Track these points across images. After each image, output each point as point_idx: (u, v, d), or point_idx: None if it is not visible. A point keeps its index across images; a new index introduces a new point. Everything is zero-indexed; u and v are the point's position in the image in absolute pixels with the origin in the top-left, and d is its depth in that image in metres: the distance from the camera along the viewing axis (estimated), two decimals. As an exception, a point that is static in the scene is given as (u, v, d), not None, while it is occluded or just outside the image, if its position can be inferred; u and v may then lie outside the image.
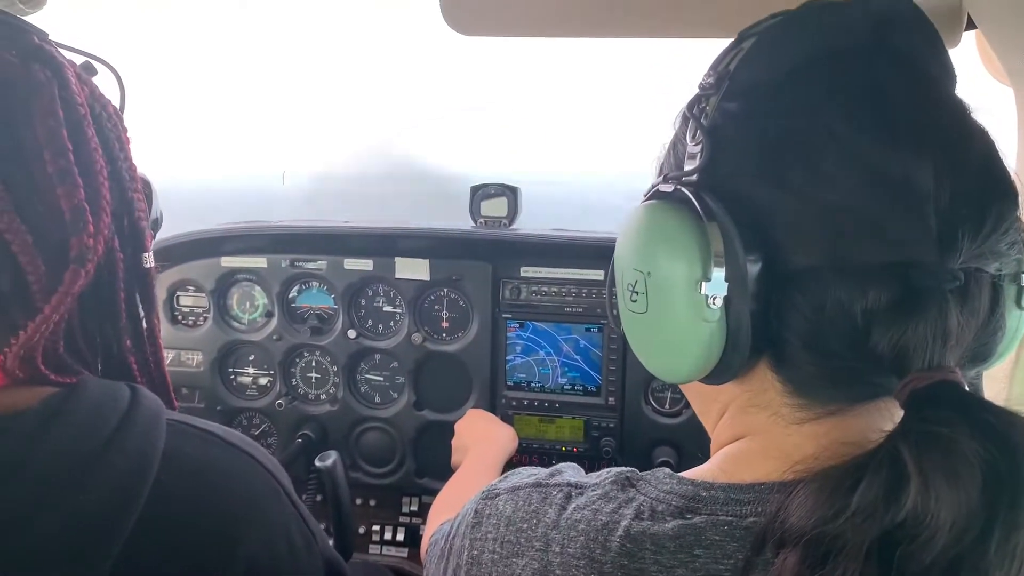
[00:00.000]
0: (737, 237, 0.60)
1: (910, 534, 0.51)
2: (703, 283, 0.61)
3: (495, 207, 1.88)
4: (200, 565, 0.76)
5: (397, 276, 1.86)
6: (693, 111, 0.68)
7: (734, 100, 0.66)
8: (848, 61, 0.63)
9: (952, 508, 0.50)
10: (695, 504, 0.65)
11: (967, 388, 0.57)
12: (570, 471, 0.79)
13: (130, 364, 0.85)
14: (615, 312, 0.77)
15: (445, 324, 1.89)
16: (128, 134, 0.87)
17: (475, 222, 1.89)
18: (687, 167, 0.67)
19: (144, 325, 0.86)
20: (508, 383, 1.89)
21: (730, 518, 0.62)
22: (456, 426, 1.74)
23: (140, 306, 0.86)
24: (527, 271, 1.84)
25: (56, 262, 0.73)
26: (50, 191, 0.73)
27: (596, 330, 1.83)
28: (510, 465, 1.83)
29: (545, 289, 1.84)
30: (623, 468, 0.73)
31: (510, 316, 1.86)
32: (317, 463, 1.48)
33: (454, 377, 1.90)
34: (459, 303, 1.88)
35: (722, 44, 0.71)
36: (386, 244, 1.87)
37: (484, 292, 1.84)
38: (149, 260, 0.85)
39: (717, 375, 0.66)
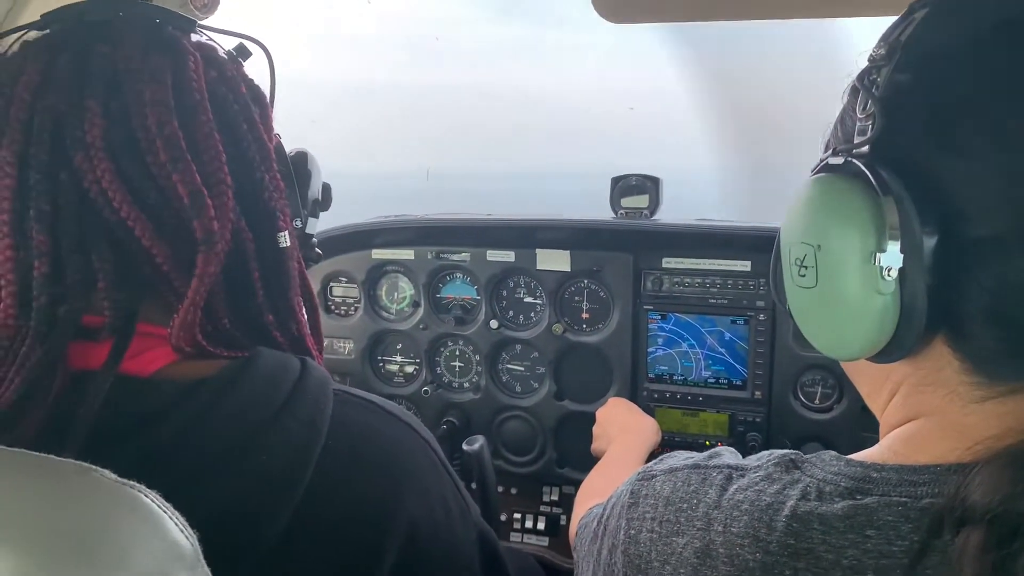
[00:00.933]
0: (913, 208, 0.59)
1: None
2: (878, 254, 0.59)
3: (636, 199, 1.86)
4: (365, 527, 0.80)
5: (538, 267, 1.88)
6: (864, 82, 0.66)
7: (907, 71, 0.63)
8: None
9: None
10: (866, 485, 0.63)
11: None
12: (728, 454, 0.79)
13: (275, 338, 0.87)
14: (780, 290, 0.76)
15: (586, 315, 1.90)
16: (266, 114, 0.88)
17: (615, 213, 1.88)
18: (857, 139, 0.65)
19: (283, 301, 0.88)
20: (649, 375, 1.87)
21: (904, 499, 0.60)
22: (598, 414, 1.75)
23: (282, 283, 0.87)
24: (669, 262, 1.81)
25: (184, 246, 0.76)
26: (166, 177, 0.75)
27: (742, 322, 1.78)
28: (652, 457, 1.81)
29: (688, 280, 1.81)
30: (786, 451, 0.72)
31: (652, 308, 1.84)
32: (464, 447, 1.52)
33: (594, 368, 1.91)
34: (600, 294, 1.88)
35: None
36: (527, 236, 1.90)
37: (625, 283, 1.83)
38: (285, 239, 0.86)
39: (890, 352, 0.64)
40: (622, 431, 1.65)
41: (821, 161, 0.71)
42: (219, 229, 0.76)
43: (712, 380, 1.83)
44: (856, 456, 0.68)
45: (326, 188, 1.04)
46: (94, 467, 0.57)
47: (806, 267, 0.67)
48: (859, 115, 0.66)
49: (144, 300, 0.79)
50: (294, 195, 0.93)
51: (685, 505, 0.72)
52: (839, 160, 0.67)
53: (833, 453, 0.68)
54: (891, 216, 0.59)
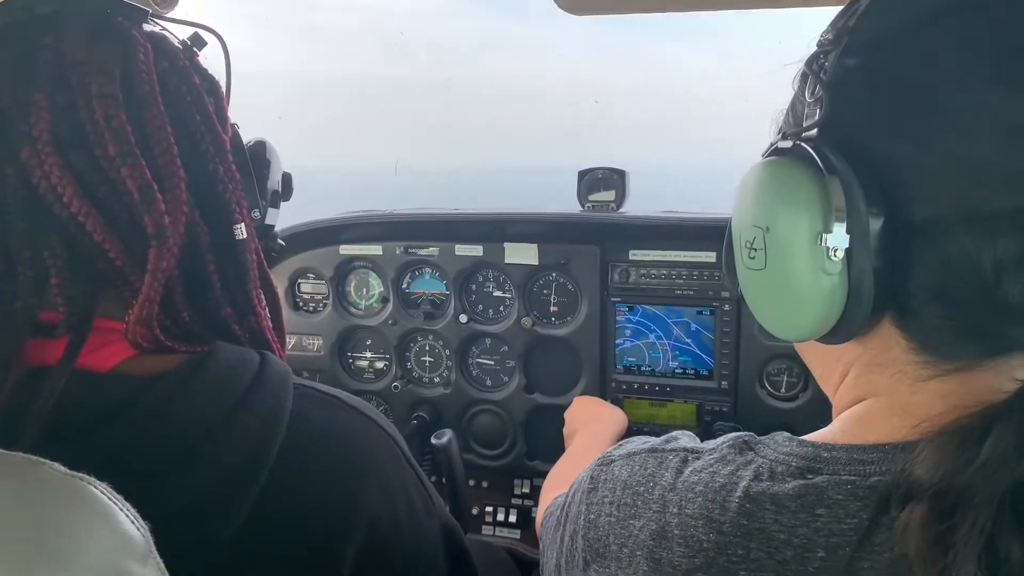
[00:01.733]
0: (859, 190, 0.60)
1: None
2: (824, 235, 0.60)
3: (603, 192, 1.87)
4: (326, 522, 0.80)
5: (507, 261, 1.88)
6: (812, 67, 0.67)
7: (854, 55, 0.65)
8: (981, 9, 0.60)
9: None
10: (816, 464, 0.64)
11: None
12: (685, 438, 0.80)
13: (235, 332, 0.87)
14: (732, 273, 0.77)
15: (554, 308, 1.91)
16: (220, 104, 0.87)
17: (583, 206, 1.89)
18: (806, 123, 0.66)
19: (241, 294, 0.87)
20: (618, 367, 1.89)
21: (853, 477, 0.61)
22: (565, 414, 1.77)
23: (240, 276, 0.86)
24: (636, 254, 1.83)
25: (137, 241, 0.75)
26: (114, 171, 0.74)
27: (708, 313, 1.80)
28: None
29: (655, 272, 1.82)
30: (741, 432, 0.73)
31: (619, 300, 1.86)
32: (433, 440, 1.52)
33: (564, 361, 1.92)
34: (568, 287, 1.89)
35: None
36: (495, 230, 1.90)
37: (592, 276, 1.84)
38: (242, 232, 0.84)
39: (839, 332, 0.65)
40: (586, 423, 1.67)
41: (771, 145, 0.72)
42: (171, 223, 0.75)
43: (679, 370, 1.85)
44: (808, 437, 0.70)
45: (286, 178, 1.02)
46: (42, 460, 0.57)
47: (755, 249, 0.68)
48: (808, 99, 0.67)
49: (100, 295, 0.78)
50: (251, 186, 0.91)
51: (642, 488, 0.72)
52: (788, 144, 0.68)
53: (786, 434, 0.70)
54: (837, 198, 0.60)
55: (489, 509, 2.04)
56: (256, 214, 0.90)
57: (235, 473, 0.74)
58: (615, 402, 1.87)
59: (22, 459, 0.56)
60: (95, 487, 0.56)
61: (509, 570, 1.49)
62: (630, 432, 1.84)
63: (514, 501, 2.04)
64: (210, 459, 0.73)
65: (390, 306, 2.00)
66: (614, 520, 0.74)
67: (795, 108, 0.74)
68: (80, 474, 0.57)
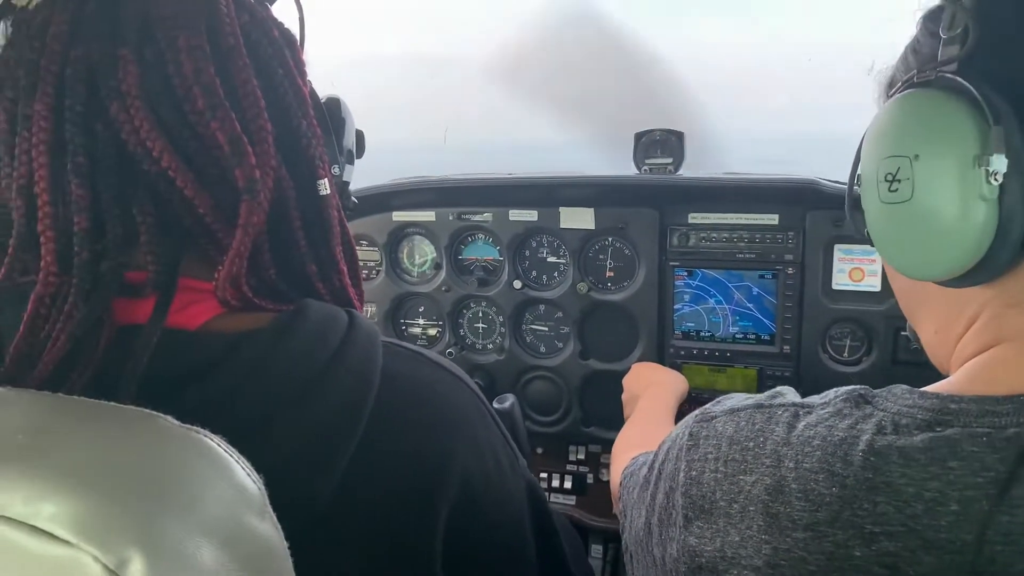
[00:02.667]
0: (1014, 117, 0.58)
1: None
2: (984, 157, 0.59)
3: (660, 152, 1.83)
4: (420, 477, 0.79)
5: (562, 226, 1.86)
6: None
7: None
8: None
9: None
10: (944, 416, 0.62)
11: None
12: (790, 393, 0.78)
13: (318, 290, 0.85)
14: (857, 215, 0.76)
15: (610, 273, 1.88)
16: (298, 58, 0.85)
17: (639, 169, 1.86)
18: (943, 56, 0.65)
19: (325, 251, 0.85)
20: (676, 332, 1.86)
21: (988, 429, 0.59)
22: (624, 381, 1.75)
23: (324, 233, 0.85)
24: (695, 217, 1.79)
25: (226, 195, 0.74)
26: (204, 125, 0.72)
27: (770, 276, 1.76)
28: (678, 414, 1.81)
29: (715, 235, 1.79)
30: (854, 386, 0.71)
31: (678, 264, 1.82)
32: (495, 404, 1.51)
33: (620, 326, 1.89)
34: (624, 252, 1.86)
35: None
36: (550, 194, 1.88)
37: (651, 240, 1.81)
38: (325, 187, 0.83)
39: (980, 270, 0.63)
40: (647, 387, 1.65)
41: (904, 82, 0.70)
42: (261, 176, 0.74)
43: (740, 335, 1.82)
44: (930, 388, 0.67)
45: (360, 135, 1.01)
46: (156, 413, 0.56)
47: (899, 181, 0.66)
48: (944, 35, 0.65)
49: (185, 254, 0.77)
50: (331, 142, 0.89)
51: (751, 444, 0.71)
52: (929, 76, 0.66)
53: (904, 387, 0.67)
54: (993, 123, 0.59)
55: (544, 475, 2.03)
56: (335, 170, 0.88)
57: (332, 428, 0.73)
58: (673, 367, 1.84)
59: (137, 412, 0.56)
60: (211, 439, 0.56)
61: (572, 534, 1.48)
62: (690, 399, 1.82)
63: (569, 467, 2.03)
64: (306, 415, 0.72)
65: (443, 273, 1.99)
66: (721, 476, 0.72)
67: (917, 51, 0.73)
68: (195, 427, 0.56)
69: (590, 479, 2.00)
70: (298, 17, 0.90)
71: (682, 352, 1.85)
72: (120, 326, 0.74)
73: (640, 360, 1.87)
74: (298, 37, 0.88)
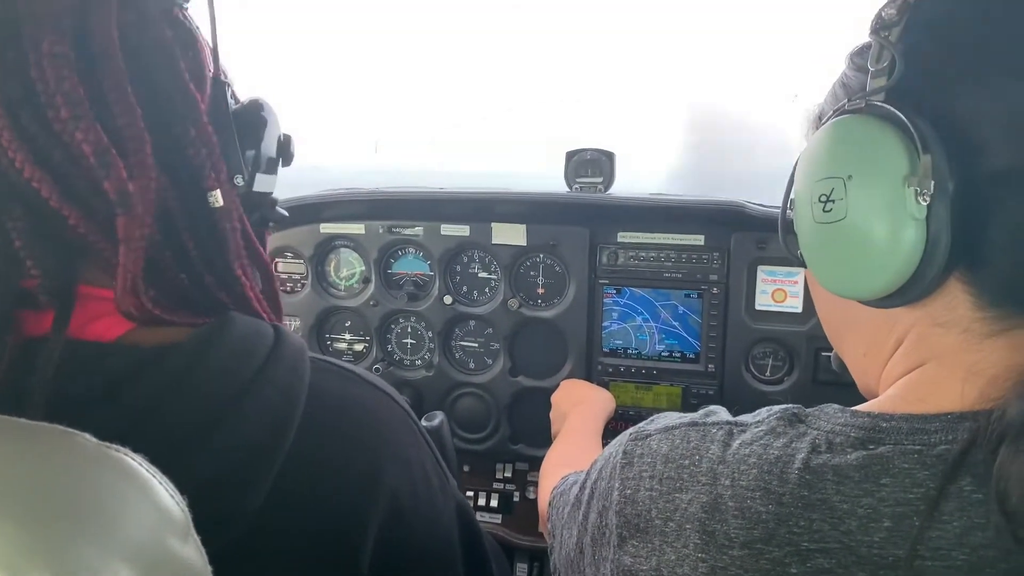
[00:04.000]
0: (939, 141, 0.61)
1: None
2: (911, 178, 0.62)
3: (591, 171, 1.86)
4: (348, 496, 0.77)
5: (494, 242, 1.85)
6: (879, 33, 0.69)
7: (922, 21, 0.67)
8: None
9: None
10: (876, 435, 0.63)
11: None
12: (723, 412, 0.79)
13: (222, 301, 0.81)
14: (789, 238, 0.79)
15: (541, 290, 1.89)
16: (197, 60, 0.79)
17: (570, 187, 1.87)
18: (872, 86, 0.68)
19: (222, 265, 0.80)
20: (604, 349, 1.88)
21: (919, 447, 0.61)
22: (552, 398, 1.75)
23: (219, 247, 0.79)
24: (624, 236, 1.82)
25: (102, 207, 0.70)
26: (68, 134, 0.68)
27: (696, 296, 1.80)
28: (604, 432, 1.82)
29: (643, 255, 1.81)
30: (787, 405, 0.72)
31: (607, 282, 1.84)
32: (424, 422, 1.49)
33: (550, 343, 1.90)
34: (555, 269, 1.87)
35: None
36: (483, 209, 1.87)
37: (581, 257, 1.83)
38: (217, 199, 0.77)
39: (908, 289, 0.65)
40: (575, 405, 1.66)
41: (836, 111, 0.73)
42: (137, 189, 0.69)
43: (666, 354, 1.85)
44: (861, 407, 0.69)
45: (285, 140, 0.92)
46: (73, 431, 0.53)
47: (833, 201, 0.69)
48: (872, 67, 0.69)
49: (84, 262, 0.73)
50: (234, 150, 0.81)
51: (687, 462, 0.71)
52: (859, 105, 0.69)
53: (836, 406, 0.69)
54: (920, 146, 0.62)
55: (470, 494, 2.01)
56: (239, 181, 0.80)
57: (257, 445, 0.71)
58: (601, 385, 1.86)
59: (51, 429, 0.52)
60: (132, 458, 0.52)
61: (499, 555, 1.46)
62: (616, 416, 1.84)
63: (496, 485, 2.01)
64: (232, 431, 0.70)
65: (372, 287, 1.95)
66: (656, 494, 0.72)
67: (845, 84, 0.76)
68: (115, 446, 0.52)
69: (517, 497, 1.99)
70: (209, 15, 0.84)
71: (610, 369, 1.87)
72: (28, 338, 0.70)
73: (569, 377, 1.87)
74: (211, 37, 0.82)
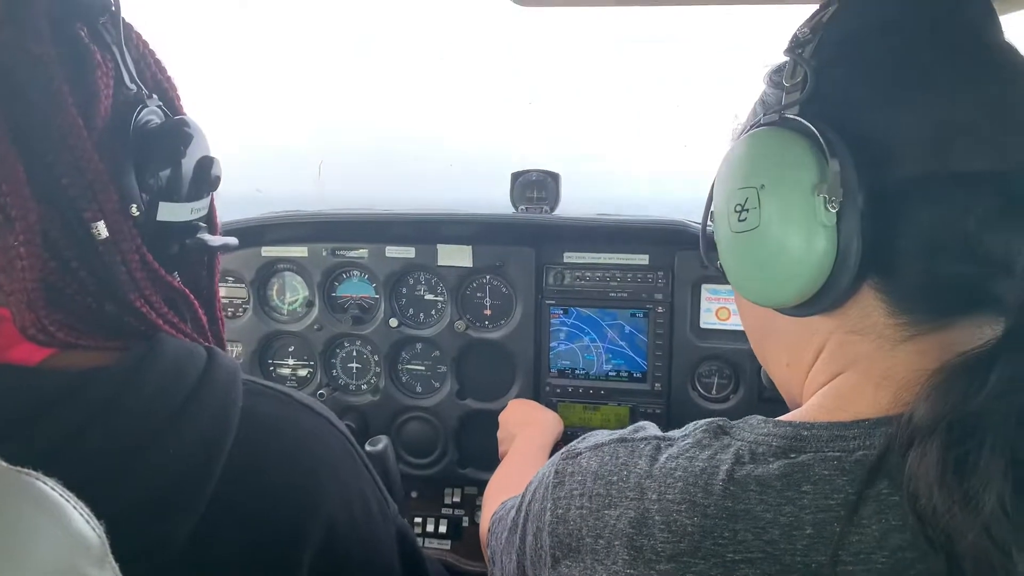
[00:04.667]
0: (847, 153, 0.63)
1: None
2: (821, 185, 0.63)
3: (535, 193, 1.86)
4: (282, 523, 0.76)
5: (440, 263, 1.84)
6: (794, 53, 0.71)
7: (835, 39, 0.70)
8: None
9: None
10: (797, 443, 0.64)
11: None
12: (652, 427, 0.79)
13: (138, 327, 0.76)
14: (708, 247, 0.80)
15: (488, 311, 1.88)
16: (87, 80, 0.73)
17: (516, 208, 1.88)
18: (786, 101, 0.70)
19: (121, 299, 0.75)
20: (552, 370, 1.87)
21: (838, 453, 0.62)
22: (500, 417, 1.73)
23: (111, 280, 0.74)
24: (571, 256, 1.82)
25: None
26: None
27: (642, 315, 1.81)
28: (553, 454, 1.81)
29: (589, 275, 1.82)
30: (713, 418, 0.73)
31: (554, 302, 1.84)
32: (368, 447, 1.46)
33: (497, 365, 1.88)
34: (502, 290, 1.86)
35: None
36: (428, 231, 1.86)
37: (527, 278, 1.82)
38: (101, 231, 0.71)
39: (823, 296, 0.67)
40: (522, 427, 1.65)
41: (752, 125, 0.74)
42: (17, 216, 0.66)
43: (613, 373, 1.85)
44: (784, 417, 0.70)
45: (203, 164, 0.82)
46: None
47: (747, 210, 0.70)
48: (787, 83, 0.71)
49: None
50: (126, 176, 0.74)
51: (615, 478, 0.71)
52: (772, 118, 0.71)
53: (760, 417, 0.70)
54: (830, 156, 0.64)
55: (418, 520, 1.97)
56: (135, 210, 0.74)
57: (188, 470, 0.69)
58: (549, 406, 1.85)
59: None
60: (44, 483, 0.50)
61: (445, 582, 1.44)
62: (565, 436, 1.83)
63: (444, 511, 1.98)
64: (161, 456, 0.68)
65: (315, 311, 1.92)
66: (586, 512, 0.72)
67: (764, 101, 0.79)
68: (27, 470, 0.50)
69: (465, 522, 1.96)
70: (114, 31, 0.77)
71: (558, 390, 1.86)
72: None
73: (517, 398, 1.86)
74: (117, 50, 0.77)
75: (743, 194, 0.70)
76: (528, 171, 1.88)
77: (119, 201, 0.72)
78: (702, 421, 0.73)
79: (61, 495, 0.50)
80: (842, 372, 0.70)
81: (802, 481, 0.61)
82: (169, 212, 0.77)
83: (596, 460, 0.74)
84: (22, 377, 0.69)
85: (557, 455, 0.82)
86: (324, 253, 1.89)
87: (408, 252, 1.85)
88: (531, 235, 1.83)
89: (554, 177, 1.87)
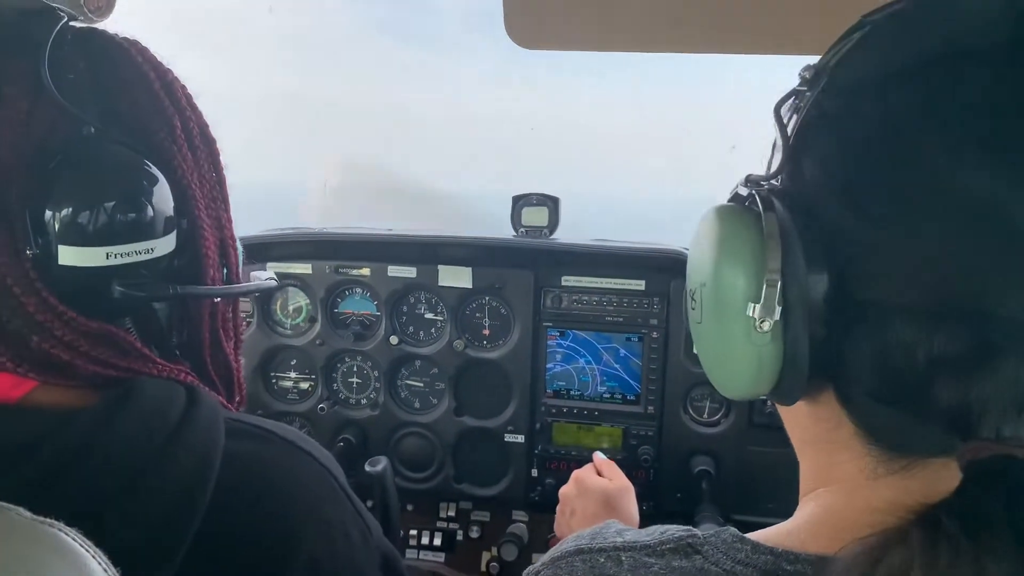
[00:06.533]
0: (800, 253, 0.54)
1: None
2: (752, 304, 0.56)
3: (536, 216, 1.90)
4: (265, 563, 0.77)
5: (440, 284, 1.88)
6: (781, 109, 0.63)
7: (829, 100, 0.58)
8: (966, 65, 0.52)
9: None
10: None
11: None
12: (613, 531, 0.70)
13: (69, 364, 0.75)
14: (686, 315, 0.75)
15: (486, 332, 1.92)
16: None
17: (516, 231, 1.92)
18: (769, 172, 0.62)
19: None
20: (548, 391, 1.91)
21: None
22: (562, 492, 1.48)
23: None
24: (568, 280, 1.86)
25: None
26: None
27: (636, 339, 1.85)
28: (547, 471, 1.86)
29: (586, 298, 1.86)
30: (678, 530, 0.65)
31: (551, 324, 1.88)
32: (367, 468, 1.50)
33: (494, 384, 1.93)
34: (500, 311, 1.90)
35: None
36: (429, 252, 1.90)
37: (526, 300, 1.86)
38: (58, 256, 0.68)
39: (777, 396, 0.61)
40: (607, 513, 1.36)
41: (734, 188, 0.66)
42: None
43: (607, 395, 1.89)
44: (764, 538, 0.61)
45: (124, 207, 0.74)
46: (7, 505, 0.53)
47: (695, 301, 0.65)
48: (778, 141, 0.62)
49: None
50: (20, 218, 0.71)
51: None
52: (745, 191, 0.63)
53: (733, 533, 0.62)
54: (773, 260, 0.56)
55: (414, 532, 2.02)
56: (29, 252, 0.70)
57: (170, 514, 0.70)
58: (544, 425, 1.90)
59: None
60: (66, 533, 0.53)
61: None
62: (558, 456, 1.88)
63: (439, 524, 2.03)
64: (141, 500, 0.69)
65: (318, 326, 1.96)
66: None
67: (774, 149, 0.66)
68: (50, 520, 0.53)
69: (460, 536, 2.00)
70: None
71: (553, 410, 1.90)
72: None
73: (512, 417, 1.90)
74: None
75: (694, 283, 0.65)
76: (529, 195, 1.92)
77: (11, 243, 0.69)
78: (668, 532, 0.65)
79: (81, 544, 0.54)
80: (827, 485, 0.63)
81: None
82: (71, 256, 0.71)
83: None
84: (8, 415, 0.70)
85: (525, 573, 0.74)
86: (328, 270, 1.93)
87: (410, 272, 1.89)
88: (530, 258, 1.87)
89: (554, 201, 1.91)
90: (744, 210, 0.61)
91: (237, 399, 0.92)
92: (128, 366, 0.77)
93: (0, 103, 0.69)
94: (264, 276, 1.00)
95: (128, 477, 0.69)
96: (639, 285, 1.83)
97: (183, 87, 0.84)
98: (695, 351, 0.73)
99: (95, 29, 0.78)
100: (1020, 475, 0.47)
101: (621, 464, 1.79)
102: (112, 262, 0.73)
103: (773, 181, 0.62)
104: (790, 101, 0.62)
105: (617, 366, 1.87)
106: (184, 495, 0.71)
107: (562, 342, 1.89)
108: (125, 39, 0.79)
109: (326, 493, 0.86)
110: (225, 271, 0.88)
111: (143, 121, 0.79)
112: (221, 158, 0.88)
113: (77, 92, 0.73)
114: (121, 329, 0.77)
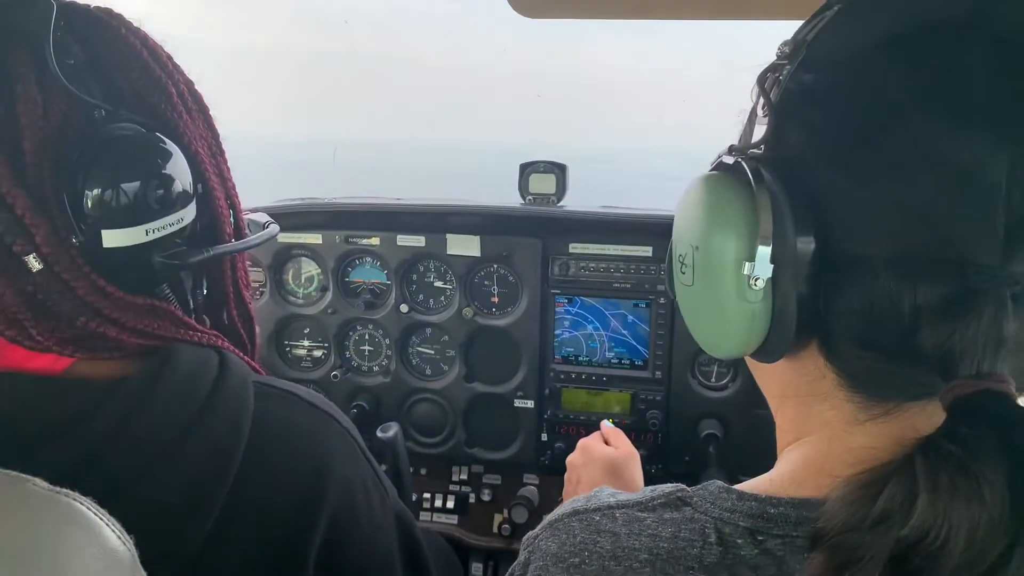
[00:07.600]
0: (790, 217, 0.58)
1: (924, 550, 0.49)
2: (747, 263, 0.60)
3: (544, 184, 1.91)
4: (289, 519, 0.81)
5: (449, 252, 1.90)
6: (764, 82, 0.65)
7: (809, 72, 0.62)
8: (935, 36, 0.56)
9: (967, 526, 0.48)
10: (765, 524, 0.61)
11: (1018, 401, 0.53)
12: (606, 492, 0.74)
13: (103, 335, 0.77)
14: (670, 282, 0.77)
15: (495, 299, 1.94)
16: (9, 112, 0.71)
17: (524, 199, 1.92)
18: (753, 140, 0.66)
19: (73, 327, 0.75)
20: (556, 357, 1.94)
21: (804, 542, 0.58)
22: (569, 460, 1.47)
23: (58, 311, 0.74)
24: (575, 247, 1.87)
25: None
26: None
27: (644, 305, 1.86)
28: (557, 435, 1.89)
29: (593, 265, 1.87)
30: (667, 486, 0.69)
31: (559, 292, 1.90)
32: (379, 434, 1.53)
33: (503, 351, 1.95)
34: (509, 279, 1.92)
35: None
36: (438, 221, 1.92)
37: (533, 268, 1.88)
38: (34, 263, 0.70)
39: (763, 354, 0.65)
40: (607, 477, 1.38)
41: (718, 158, 0.70)
42: None
43: (615, 361, 1.91)
44: (749, 487, 0.66)
45: (152, 185, 0.76)
46: (24, 476, 0.56)
47: (686, 266, 0.69)
48: (760, 114, 0.66)
49: None
50: (57, 205, 0.72)
51: (577, 560, 0.67)
52: (731, 160, 0.67)
53: (719, 485, 0.66)
54: (766, 223, 0.59)
55: (427, 495, 2.06)
56: (75, 240, 0.72)
57: (205, 477, 0.74)
58: (553, 391, 1.92)
59: (2, 476, 0.56)
60: (81, 503, 0.56)
61: (448, 556, 1.52)
62: (567, 420, 1.91)
63: (452, 487, 2.07)
64: (179, 464, 0.73)
65: (329, 295, 1.99)
66: None
67: (751, 120, 0.70)
68: (64, 490, 0.56)
69: (472, 499, 2.05)
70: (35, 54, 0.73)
71: (561, 376, 1.93)
72: None
73: (522, 382, 1.93)
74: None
75: (684, 248, 0.69)
76: (536, 162, 1.92)
77: (54, 232, 0.71)
78: (659, 489, 0.69)
79: (95, 513, 0.57)
80: (807, 436, 0.67)
81: (777, 574, 0.59)
82: (115, 238, 0.74)
83: (555, 541, 0.70)
84: (46, 386, 0.74)
85: (525, 538, 0.76)
86: (338, 240, 1.95)
87: (419, 240, 1.91)
88: (537, 226, 1.88)
89: (561, 168, 1.91)
90: (733, 177, 0.65)
91: (252, 349, 0.96)
92: (169, 335, 0.81)
93: (15, 99, 0.70)
94: (261, 220, 1.04)
95: (164, 445, 0.73)
96: (646, 251, 1.84)
97: (161, 48, 0.84)
98: (683, 314, 0.75)
99: (74, 4, 0.78)
100: (1003, 406, 0.52)
101: (630, 428, 1.82)
102: (152, 237, 0.76)
103: (757, 150, 0.65)
104: (771, 75, 0.66)
105: (625, 332, 1.89)
106: (217, 458, 0.75)
107: (570, 309, 1.91)
108: (102, 11, 0.80)
109: (347, 454, 0.91)
110: (234, 222, 0.90)
111: (143, 94, 0.80)
112: (209, 108, 0.89)
113: (80, 77, 0.75)
114: (163, 301, 0.81)
